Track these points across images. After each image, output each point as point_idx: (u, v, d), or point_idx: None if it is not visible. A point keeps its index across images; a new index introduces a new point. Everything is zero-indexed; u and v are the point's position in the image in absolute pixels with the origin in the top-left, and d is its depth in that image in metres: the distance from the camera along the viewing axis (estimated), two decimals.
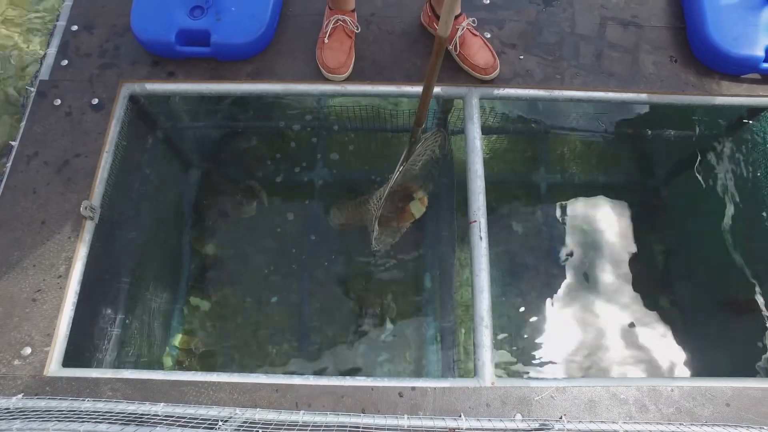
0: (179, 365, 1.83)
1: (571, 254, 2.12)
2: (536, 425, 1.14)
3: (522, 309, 1.94)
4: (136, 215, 1.83)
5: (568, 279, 2.06)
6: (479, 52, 1.54)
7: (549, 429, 1.11)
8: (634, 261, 2.13)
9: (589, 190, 2.27)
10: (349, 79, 1.55)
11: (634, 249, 2.15)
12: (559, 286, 2.04)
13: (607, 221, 2.19)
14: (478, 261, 1.32)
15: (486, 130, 2.17)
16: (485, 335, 1.26)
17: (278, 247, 2.05)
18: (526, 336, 1.89)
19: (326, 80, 1.55)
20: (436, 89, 1.54)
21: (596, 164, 2.33)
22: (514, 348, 1.84)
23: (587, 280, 2.07)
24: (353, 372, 1.86)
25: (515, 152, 2.31)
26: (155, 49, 1.57)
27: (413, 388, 1.21)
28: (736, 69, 1.61)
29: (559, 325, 1.95)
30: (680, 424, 1.19)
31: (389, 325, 1.94)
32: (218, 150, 2.18)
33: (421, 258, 2.03)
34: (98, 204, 1.40)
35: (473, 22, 1.55)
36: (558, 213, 2.20)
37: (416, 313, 1.96)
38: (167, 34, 1.53)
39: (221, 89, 1.57)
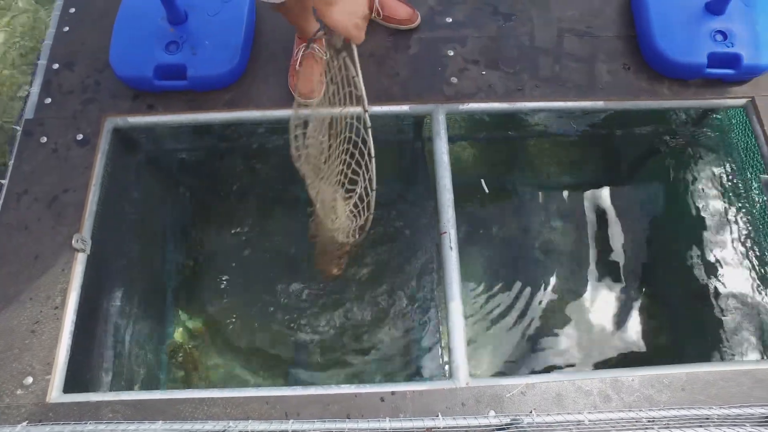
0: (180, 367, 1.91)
1: (547, 251, 2.22)
2: (508, 420, 1.24)
3: (499, 307, 2.03)
4: (129, 240, 1.90)
5: (545, 276, 2.15)
6: (399, 8, 1.74)
7: (519, 423, 1.21)
8: (610, 255, 2.23)
9: (564, 187, 2.37)
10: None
11: (609, 243, 2.25)
12: (536, 284, 2.13)
13: (583, 217, 2.29)
14: (449, 270, 1.42)
15: (464, 137, 2.29)
16: (459, 340, 1.36)
17: (270, 259, 2.14)
18: (505, 333, 1.99)
19: (300, 105, 1.63)
20: (404, 107, 1.64)
21: (571, 162, 2.43)
22: (491, 347, 1.94)
23: (564, 277, 2.17)
24: (347, 377, 1.95)
25: (491, 155, 2.40)
26: (134, 84, 1.64)
27: (393, 393, 1.31)
28: (683, 74, 1.71)
29: (537, 321, 2.05)
30: (639, 410, 1.30)
31: (379, 330, 2.03)
32: (207, 169, 2.25)
33: (408, 262, 2.12)
34: (89, 236, 1.47)
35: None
36: (535, 212, 2.29)
37: (405, 317, 2.04)
38: (145, 70, 1.60)
39: (200, 119, 1.65)
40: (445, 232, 1.46)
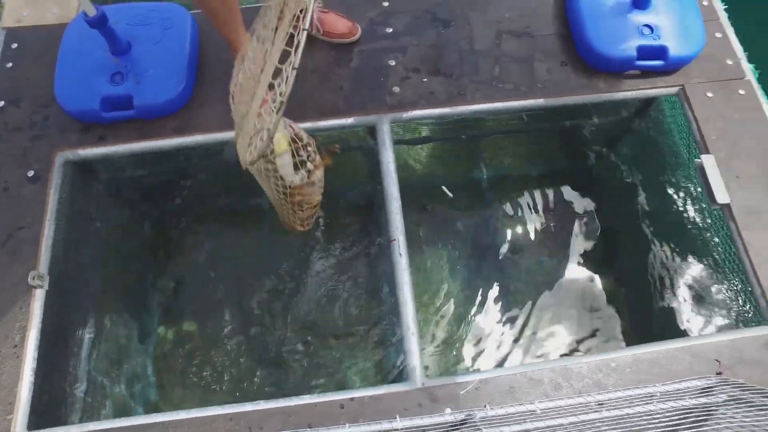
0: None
1: (511, 246, 2.28)
2: (462, 416, 1.30)
3: (460, 304, 2.09)
4: (94, 268, 1.92)
5: (505, 270, 2.22)
6: (339, 23, 1.77)
7: (472, 418, 1.27)
8: (575, 243, 2.31)
9: (524, 180, 2.44)
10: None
11: (575, 231, 2.32)
12: (496, 278, 2.20)
13: (544, 208, 2.36)
14: (400, 275, 1.47)
15: (418, 141, 2.34)
16: (413, 342, 1.41)
17: (239, 275, 2.17)
18: (467, 330, 2.04)
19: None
20: (349, 120, 1.68)
21: (528, 155, 2.49)
22: (453, 345, 1.99)
23: (530, 269, 2.24)
24: (319, 386, 2.00)
25: (451, 153, 2.46)
26: (82, 117, 1.66)
27: (352, 399, 1.35)
28: (616, 68, 1.78)
29: (500, 315, 2.12)
30: (588, 394, 1.36)
31: (350, 335, 2.07)
32: (172, 190, 2.27)
33: (379, 267, 2.16)
34: (46, 271, 1.50)
35: (319, 3, 1.74)
36: (497, 207, 2.36)
37: (377, 321, 2.09)
38: (92, 103, 1.63)
39: (150, 146, 1.68)
40: (395, 239, 1.50)
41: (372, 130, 1.69)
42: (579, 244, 2.33)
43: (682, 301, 1.94)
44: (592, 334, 2.15)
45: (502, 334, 2.08)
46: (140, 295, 2.16)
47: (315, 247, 2.18)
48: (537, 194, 2.39)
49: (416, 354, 1.39)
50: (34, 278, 1.43)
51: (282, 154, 1.27)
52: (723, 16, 1.97)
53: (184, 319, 2.13)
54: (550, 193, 2.40)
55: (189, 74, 1.70)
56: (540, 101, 1.76)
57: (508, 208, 2.36)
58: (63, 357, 1.60)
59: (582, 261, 2.28)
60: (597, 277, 2.26)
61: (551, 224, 2.34)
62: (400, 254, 1.48)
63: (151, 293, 2.20)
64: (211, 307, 2.13)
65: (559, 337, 2.08)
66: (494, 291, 2.18)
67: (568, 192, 2.42)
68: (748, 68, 1.87)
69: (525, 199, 2.39)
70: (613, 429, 1.27)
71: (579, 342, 2.07)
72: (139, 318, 2.10)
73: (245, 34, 1.59)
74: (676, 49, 1.76)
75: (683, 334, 1.86)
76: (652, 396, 1.37)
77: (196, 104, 1.72)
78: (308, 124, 1.68)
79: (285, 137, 1.28)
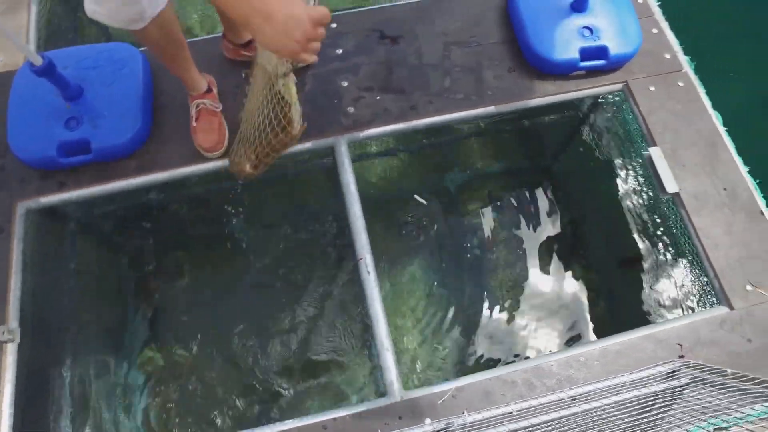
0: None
1: (482, 247, 2.33)
2: (442, 425, 1.34)
3: (435, 313, 2.13)
4: (69, 310, 1.91)
5: (484, 270, 2.27)
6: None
7: (451, 426, 1.31)
8: (544, 237, 2.37)
9: (490, 180, 2.50)
10: (227, 154, 1.69)
11: (544, 225, 2.38)
12: (475, 280, 2.25)
13: (514, 206, 2.41)
14: (370, 293, 1.50)
15: (380, 155, 2.38)
16: (388, 359, 1.45)
17: (218, 302, 2.18)
18: (446, 338, 2.09)
19: (203, 161, 1.69)
20: (307, 144, 1.71)
21: (491, 156, 2.55)
22: (429, 355, 2.04)
23: (503, 268, 2.29)
24: (306, 408, 2.02)
25: (415, 162, 2.50)
26: (40, 165, 1.66)
27: (335, 419, 1.38)
28: (562, 70, 1.85)
29: (478, 318, 2.17)
30: (560, 391, 1.42)
31: (336, 358, 2.10)
32: (146, 223, 2.27)
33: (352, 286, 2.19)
34: (17, 324, 1.49)
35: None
36: (466, 209, 2.41)
37: (360, 339, 2.12)
38: (48, 150, 1.62)
39: (112, 188, 1.68)
40: (362, 258, 1.54)
41: (330, 151, 1.72)
42: (548, 237, 2.39)
43: (647, 288, 2.02)
44: (569, 326, 2.21)
45: (480, 336, 2.13)
46: (119, 331, 2.15)
47: (294, 269, 2.20)
48: (504, 193, 2.45)
49: (392, 369, 1.43)
50: (3, 333, 1.43)
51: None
52: (657, 12, 2.05)
53: (165, 351, 2.13)
54: (516, 190, 2.46)
55: (145, 113, 1.71)
56: (491, 109, 1.82)
57: (477, 209, 2.41)
58: (42, 406, 1.59)
59: (552, 254, 2.34)
60: (568, 269, 2.32)
61: (520, 221, 2.40)
62: (368, 272, 1.52)
63: (130, 327, 2.19)
64: (192, 336, 2.13)
65: (538, 332, 2.14)
66: (470, 294, 2.23)
67: (533, 187, 2.48)
68: (684, 60, 1.96)
69: (493, 199, 2.44)
70: (588, 421, 1.33)
71: (556, 335, 2.13)
72: (118, 354, 2.09)
73: (197, 72, 1.62)
74: (616, 47, 1.83)
75: (648, 320, 1.93)
76: (621, 386, 1.43)
77: (155, 142, 1.73)
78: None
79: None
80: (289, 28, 0.89)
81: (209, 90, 1.68)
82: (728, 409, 1.17)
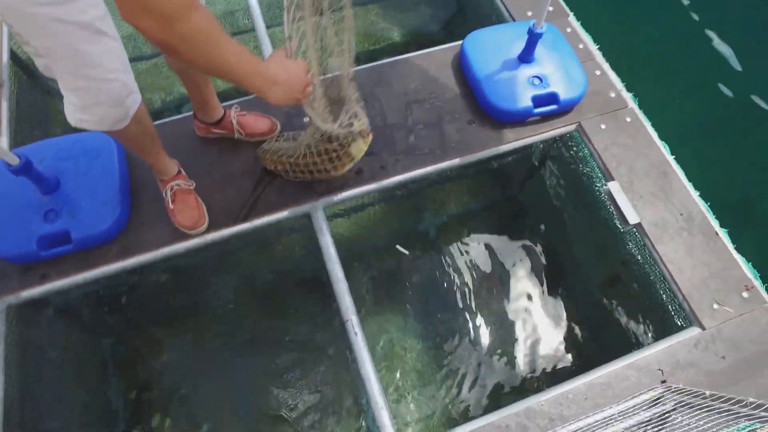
0: None
1: (465, 286, 2.39)
2: None
3: (425, 360, 2.16)
4: (53, 400, 1.88)
5: (468, 309, 2.31)
6: (258, 122, 1.86)
7: None
8: (526, 271, 2.43)
9: (466, 220, 2.57)
10: (209, 228, 1.74)
11: (522, 259, 2.46)
12: (460, 321, 2.29)
13: (490, 243, 2.48)
14: (359, 354, 1.54)
15: (356, 210, 2.45)
16: (384, 416, 1.47)
17: (204, 374, 2.16)
18: (437, 384, 2.12)
19: (187, 238, 1.73)
20: (283, 213, 1.77)
21: (467, 197, 2.64)
22: (422, 404, 2.06)
23: (486, 304, 2.34)
24: None
25: (393, 211, 2.57)
26: (20, 260, 1.67)
27: None
28: (518, 118, 1.97)
29: (473, 358, 2.20)
30: (553, 430, 1.46)
31: (331, 416, 2.09)
32: (123, 299, 2.26)
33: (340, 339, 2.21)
34: (1, 429, 1.47)
35: (237, 108, 1.87)
36: (447, 251, 2.47)
37: (353, 398, 2.12)
38: (27, 245, 1.64)
39: (96, 275, 1.70)
40: (348, 320, 1.58)
41: (307, 218, 1.78)
42: (527, 270, 2.46)
43: (624, 314, 2.10)
44: (557, 358, 2.26)
45: (470, 380, 2.16)
46: (104, 418, 2.12)
47: (282, 334, 2.21)
48: (480, 231, 2.53)
49: (390, 427, 1.45)
50: None
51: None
52: (598, 55, 2.22)
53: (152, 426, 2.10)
54: (491, 227, 2.54)
55: (123, 198, 1.75)
56: (456, 161, 1.92)
57: (455, 250, 2.48)
58: None
59: (532, 286, 2.41)
60: (549, 300, 2.39)
61: (498, 257, 2.47)
62: (356, 333, 1.56)
63: (115, 411, 2.15)
64: (179, 414, 2.11)
65: (527, 368, 2.18)
66: (457, 335, 2.27)
67: (507, 223, 2.57)
68: (628, 97, 2.11)
69: (470, 238, 2.52)
70: None
71: (546, 369, 2.18)
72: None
73: (166, 156, 1.68)
74: (565, 92, 1.97)
75: (630, 344, 2.00)
76: (611, 417, 1.48)
77: (134, 225, 1.77)
78: (246, 224, 1.75)
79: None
80: (293, 86, 1.20)
81: (179, 171, 1.74)
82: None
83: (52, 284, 1.69)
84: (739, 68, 3.06)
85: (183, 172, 1.76)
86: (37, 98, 2.37)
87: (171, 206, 1.69)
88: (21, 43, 1.17)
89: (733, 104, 2.96)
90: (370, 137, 1.60)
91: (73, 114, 1.29)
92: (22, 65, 2.23)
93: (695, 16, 3.27)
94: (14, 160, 1.54)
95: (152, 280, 2.28)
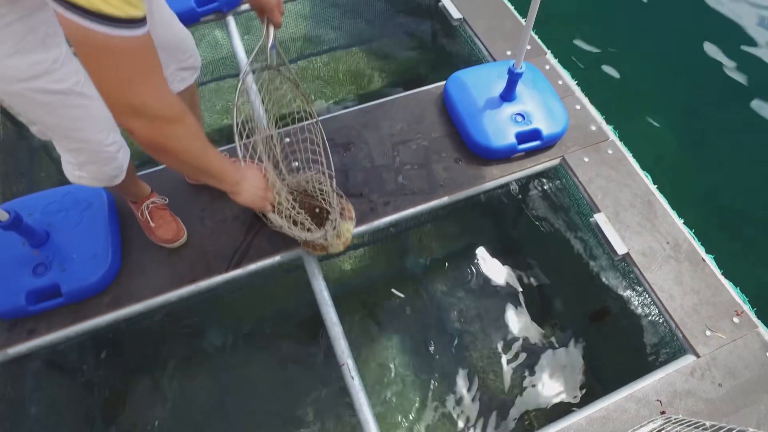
0: None
1: (459, 321, 2.38)
2: None
3: (432, 392, 2.14)
4: None
5: (464, 345, 2.30)
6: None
7: None
8: (517, 303, 2.43)
9: (459, 256, 2.58)
10: (198, 274, 1.73)
11: (513, 291, 2.46)
12: (456, 357, 2.27)
13: (481, 277, 2.49)
14: (356, 398, 1.52)
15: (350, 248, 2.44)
16: None
17: (202, 426, 2.11)
18: (446, 419, 2.08)
19: (180, 285, 1.72)
20: (276, 258, 1.78)
21: (456, 233, 2.66)
22: None
23: (481, 339, 2.33)
24: None
25: (384, 250, 2.57)
26: (8, 316, 1.65)
27: None
28: (503, 155, 2.01)
29: (470, 395, 2.18)
30: None
31: None
32: (112, 346, 2.22)
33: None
34: None
35: (225, 154, 1.88)
36: (439, 289, 2.47)
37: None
38: (16, 301, 1.62)
39: (86, 327, 1.67)
40: (344, 364, 1.57)
41: (300, 262, 1.78)
42: (518, 305, 2.46)
43: (616, 346, 2.10)
44: (554, 391, 2.24)
45: (469, 417, 2.13)
46: None
47: (276, 378, 2.18)
48: (470, 266, 2.53)
49: None
50: None
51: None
52: (577, 90, 2.30)
53: None
54: (481, 261, 2.55)
55: (114, 248, 1.74)
56: (444, 199, 1.94)
57: (447, 287, 2.48)
58: None
59: (524, 321, 2.40)
60: (542, 332, 2.38)
61: (489, 291, 2.47)
62: (353, 377, 1.54)
63: None
64: None
65: (527, 403, 2.16)
66: (453, 374, 2.25)
67: (496, 256, 2.58)
68: (608, 129, 2.18)
69: (459, 274, 2.52)
70: None
71: (545, 403, 2.16)
72: None
73: (140, 180, 1.73)
74: (547, 128, 2.02)
75: (626, 377, 1.99)
76: None
77: (126, 274, 1.76)
78: (238, 271, 1.75)
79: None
80: (256, 190, 1.40)
81: (152, 191, 1.77)
82: None
83: (40, 339, 1.66)
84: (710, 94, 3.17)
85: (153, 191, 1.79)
86: (24, 150, 2.38)
87: (151, 224, 1.71)
88: (14, 114, 1.21)
89: (708, 130, 3.05)
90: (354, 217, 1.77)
91: (71, 172, 1.37)
92: (9, 116, 2.25)
93: (662, 49, 3.41)
94: (3, 216, 1.54)
95: (142, 328, 2.24)
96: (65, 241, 1.73)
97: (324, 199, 1.77)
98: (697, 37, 3.42)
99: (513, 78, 1.96)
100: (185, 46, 1.50)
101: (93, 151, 1.30)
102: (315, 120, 1.78)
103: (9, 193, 2.12)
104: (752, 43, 3.37)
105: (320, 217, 1.81)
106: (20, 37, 1.01)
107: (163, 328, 2.26)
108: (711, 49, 3.35)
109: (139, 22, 0.83)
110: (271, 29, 1.53)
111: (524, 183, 2.27)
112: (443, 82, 2.23)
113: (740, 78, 3.22)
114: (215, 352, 2.24)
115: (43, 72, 1.07)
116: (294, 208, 1.63)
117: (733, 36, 3.41)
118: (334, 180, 1.79)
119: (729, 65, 3.27)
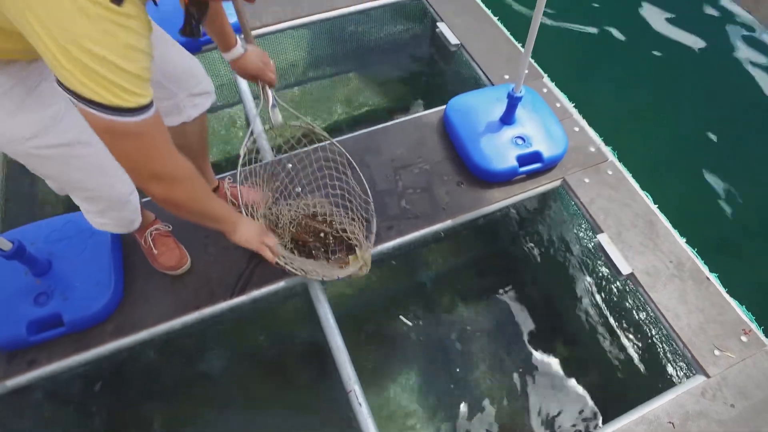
0: None
1: (465, 344, 2.35)
2: None
3: (442, 419, 2.10)
4: None
5: (471, 368, 2.27)
6: (251, 191, 1.82)
7: None
8: (523, 326, 2.41)
9: (464, 276, 2.57)
10: (202, 301, 1.72)
11: (518, 314, 2.44)
12: (464, 379, 2.24)
13: (486, 299, 2.47)
14: (365, 425, 1.49)
15: None
16: None
17: None
18: None
19: (184, 312, 1.70)
20: (280, 284, 1.77)
21: (461, 253, 2.65)
22: None
23: (489, 361, 2.30)
24: None
25: (391, 272, 2.56)
26: (8, 347, 1.62)
27: None
28: (505, 178, 2.02)
29: (478, 419, 2.14)
30: None
31: None
32: (111, 376, 2.18)
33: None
34: None
35: (230, 179, 1.95)
36: (446, 309, 2.45)
37: None
38: (16, 331, 1.59)
39: (89, 357, 1.65)
40: (351, 390, 1.54)
41: (305, 288, 1.77)
42: (524, 328, 2.44)
43: (624, 367, 2.08)
44: (566, 410, 2.20)
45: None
46: None
47: (281, 404, 2.14)
48: (476, 286, 2.52)
49: None
50: None
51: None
52: (575, 113, 2.33)
53: None
54: (487, 280, 2.54)
55: (117, 276, 1.73)
56: (448, 222, 1.95)
57: (454, 307, 2.46)
58: None
59: (530, 344, 2.38)
60: (552, 348, 2.35)
61: (494, 314, 2.45)
62: (360, 404, 1.52)
63: None
64: None
65: (532, 426, 2.13)
66: (460, 398, 2.21)
67: (502, 275, 2.57)
68: (607, 150, 2.20)
69: (465, 297, 2.50)
70: None
71: (557, 424, 2.12)
72: None
73: (143, 209, 1.72)
74: (547, 150, 2.04)
75: (636, 399, 1.97)
76: None
77: (129, 302, 1.74)
78: (242, 298, 1.74)
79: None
80: (251, 236, 1.50)
81: (155, 218, 1.77)
82: None
83: (40, 370, 1.63)
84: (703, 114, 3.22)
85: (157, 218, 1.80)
86: (26, 180, 2.38)
87: (154, 251, 1.70)
88: (30, 170, 1.27)
89: (706, 149, 3.09)
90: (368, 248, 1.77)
91: (93, 220, 1.46)
92: None
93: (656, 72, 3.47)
94: (6, 245, 1.53)
95: (145, 356, 2.21)
96: (68, 269, 1.72)
97: (332, 227, 1.78)
98: (696, 61, 3.49)
99: (513, 102, 1.99)
100: (193, 73, 1.52)
101: (107, 197, 1.36)
102: (329, 141, 1.88)
103: (10, 222, 2.11)
104: (753, 63, 3.45)
105: (325, 242, 1.81)
106: (21, 99, 1.09)
107: (164, 354, 2.23)
108: (709, 72, 3.42)
109: (149, 106, 0.95)
110: (268, 90, 1.60)
111: (526, 205, 2.28)
112: (442, 107, 2.26)
113: (739, 97, 3.28)
114: (217, 378, 2.20)
115: (44, 128, 1.13)
116: (304, 248, 1.72)
117: (732, 57, 3.49)
118: (371, 204, 1.85)
119: (728, 85, 3.34)
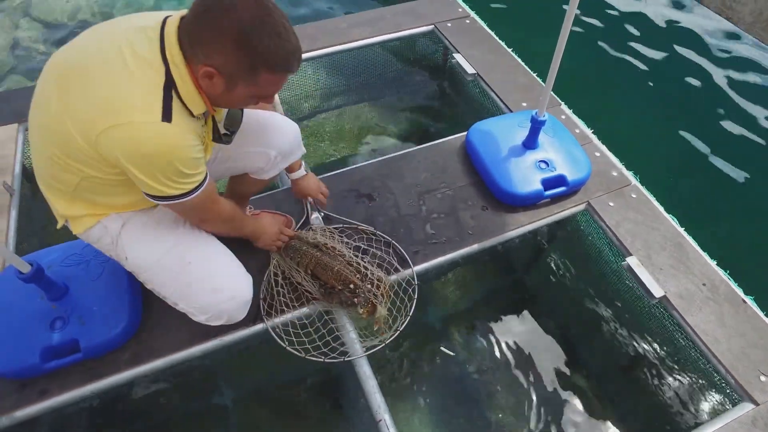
0: None
1: (489, 373, 2.25)
2: None
3: None
4: None
5: (491, 400, 2.17)
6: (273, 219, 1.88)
7: None
8: (542, 351, 2.32)
9: (479, 307, 2.49)
10: (222, 328, 1.65)
11: (537, 339, 2.35)
12: (484, 411, 2.14)
13: (510, 326, 2.39)
14: None
15: None
16: None
17: None
18: None
19: (205, 340, 1.63)
20: (304, 309, 1.70)
21: (476, 283, 2.57)
22: None
23: (508, 392, 2.20)
24: None
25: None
26: (20, 376, 1.54)
27: None
28: (530, 202, 2.00)
29: None
30: None
31: None
32: (118, 408, 2.07)
33: None
34: None
35: (250, 207, 1.97)
36: (459, 340, 2.36)
37: None
38: (30, 358, 1.51)
39: (104, 386, 1.57)
40: (381, 420, 1.46)
41: (328, 314, 1.71)
42: (544, 350, 2.35)
43: (663, 396, 1.99)
44: None
45: None
46: None
47: None
48: (491, 317, 2.44)
49: None
50: None
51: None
52: (594, 138, 2.33)
53: None
54: (502, 311, 2.46)
55: (135, 301, 1.66)
56: (474, 247, 1.91)
57: (467, 339, 2.37)
58: None
59: (554, 368, 2.28)
60: (570, 380, 2.26)
61: (520, 342, 2.36)
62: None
63: None
64: None
65: None
66: (490, 428, 2.11)
67: (517, 305, 2.49)
68: (629, 174, 2.19)
69: (486, 320, 2.42)
70: None
71: None
72: None
73: None
74: (571, 174, 2.02)
75: (679, 430, 1.88)
76: None
77: (146, 329, 1.67)
78: (262, 324, 1.67)
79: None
80: (270, 236, 1.71)
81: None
82: None
83: (52, 400, 1.54)
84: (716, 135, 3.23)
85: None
86: (40, 205, 2.34)
87: None
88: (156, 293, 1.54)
89: (724, 176, 3.08)
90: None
91: (197, 317, 1.55)
92: (27, 175, 2.23)
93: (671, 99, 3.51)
94: (25, 267, 1.48)
95: (158, 385, 2.11)
96: (85, 293, 1.65)
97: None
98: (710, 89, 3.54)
99: (536, 125, 1.99)
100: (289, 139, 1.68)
101: (227, 310, 1.53)
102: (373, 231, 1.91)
103: (25, 250, 2.06)
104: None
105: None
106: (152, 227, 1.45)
107: (179, 384, 2.13)
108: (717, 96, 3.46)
109: (204, 182, 1.25)
110: (317, 207, 1.92)
111: (551, 229, 2.25)
112: (463, 133, 2.26)
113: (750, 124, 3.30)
114: (230, 411, 2.10)
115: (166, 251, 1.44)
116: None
117: (745, 84, 3.54)
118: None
119: (735, 112, 3.37)
